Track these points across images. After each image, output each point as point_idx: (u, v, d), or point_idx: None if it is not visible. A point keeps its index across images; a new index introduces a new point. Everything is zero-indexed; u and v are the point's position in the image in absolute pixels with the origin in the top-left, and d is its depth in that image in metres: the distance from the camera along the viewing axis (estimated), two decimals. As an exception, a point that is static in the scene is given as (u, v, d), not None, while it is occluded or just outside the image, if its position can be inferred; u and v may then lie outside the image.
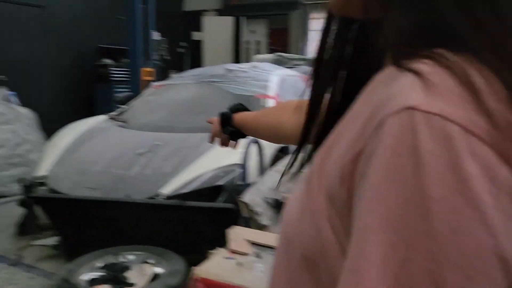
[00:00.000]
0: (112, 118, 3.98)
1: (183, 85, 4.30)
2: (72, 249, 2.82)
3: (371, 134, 0.32)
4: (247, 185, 2.54)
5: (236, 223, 2.34)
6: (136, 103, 4.28)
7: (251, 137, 2.74)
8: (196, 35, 8.85)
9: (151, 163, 3.00)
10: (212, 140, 1.13)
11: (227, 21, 8.57)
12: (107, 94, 6.72)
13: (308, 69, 5.70)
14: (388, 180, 0.29)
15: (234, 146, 1.13)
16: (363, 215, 0.31)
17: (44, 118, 5.27)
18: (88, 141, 3.42)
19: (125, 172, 2.93)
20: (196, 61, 8.34)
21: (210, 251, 1.63)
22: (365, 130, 0.33)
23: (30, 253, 3.01)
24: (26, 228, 3.22)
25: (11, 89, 5.12)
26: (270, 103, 3.77)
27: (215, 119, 1.14)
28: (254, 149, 2.85)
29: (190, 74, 4.54)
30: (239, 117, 1.05)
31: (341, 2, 0.43)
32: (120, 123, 3.84)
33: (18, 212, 3.47)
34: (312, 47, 8.16)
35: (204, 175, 2.85)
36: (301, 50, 8.00)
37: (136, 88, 5.31)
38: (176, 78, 4.63)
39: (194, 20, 8.82)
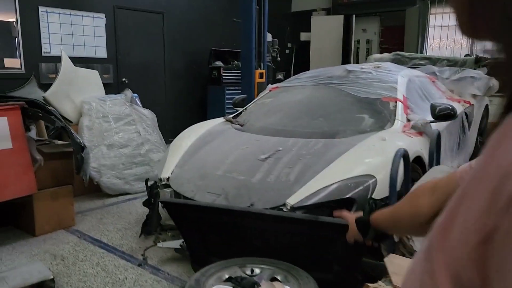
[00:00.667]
0: (228, 121, 3.94)
1: (300, 87, 4.12)
2: (195, 255, 2.79)
3: (502, 210, 0.27)
4: (392, 201, 2.26)
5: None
6: (252, 106, 4.20)
7: (401, 151, 2.40)
8: (303, 36, 8.69)
9: (274, 170, 2.85)
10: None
11: (336, 20, 8.28)
12: (219, 96, 6.86)
13: (433, 68, 5.18)
14: None
15: (372, 244, 1.15)
16: None
17: (160, 118, 5.48)
18: (208, 144, 3.39)
19: (248, 178, 2.82)
20: (304, 62, 8.16)
21: (368, 284, 1.40)
22: (494, 203, 0.28)
23: (154, 254, 3.05)
24: (150, 228, 3.28)
25: (133, 91, 5.40)
26: (399, 106, 3.42)
27: (348, 216, 1.15)
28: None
29: (307, 75, 4.34)
30: (376, 219, 1.02)
31: (459, 19, 0.39)
32: (237, 126, 3.78)
33: (142, 210, 3.58)
34: (432, 45, 7.51)
35: (331, 186, 2.62)
36: (420, 48, 7.39)
37: (249, 90, 5.27)
38: (292, 80, 4.46)
39: (303, 20, 8.67)
